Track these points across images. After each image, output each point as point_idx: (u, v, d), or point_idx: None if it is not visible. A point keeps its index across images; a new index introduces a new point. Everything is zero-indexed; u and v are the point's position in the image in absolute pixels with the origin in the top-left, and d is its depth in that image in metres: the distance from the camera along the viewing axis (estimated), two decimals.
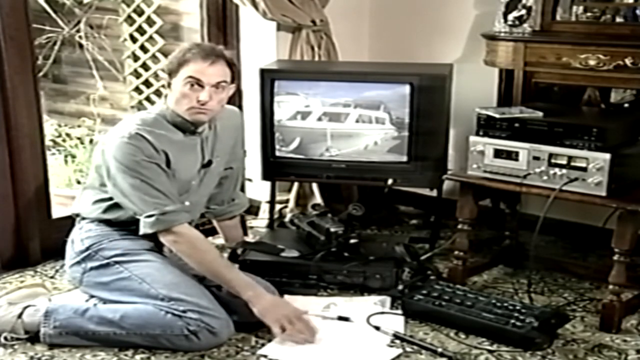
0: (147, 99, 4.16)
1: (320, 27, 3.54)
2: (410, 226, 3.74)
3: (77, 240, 2.68)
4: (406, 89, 3.11)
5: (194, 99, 2.57)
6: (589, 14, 3.23)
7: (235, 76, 2.70)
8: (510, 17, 3.16)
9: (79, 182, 4.11)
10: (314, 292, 2.88)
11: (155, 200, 2.52)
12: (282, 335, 2.43)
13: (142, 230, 2.55)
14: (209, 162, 2.73)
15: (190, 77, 2.56)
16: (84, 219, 2.73)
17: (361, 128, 3.20)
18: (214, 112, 2.65)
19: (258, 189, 3.64)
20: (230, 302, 2.57)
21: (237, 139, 2.93)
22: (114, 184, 2.58)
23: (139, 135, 2.53)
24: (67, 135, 4.72)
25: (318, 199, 3.62)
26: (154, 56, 4.09)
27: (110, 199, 2.65)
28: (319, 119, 3.23)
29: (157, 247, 2.66)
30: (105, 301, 2.60)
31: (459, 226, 2.93)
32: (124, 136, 2.53)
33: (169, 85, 2.62)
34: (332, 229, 2.96)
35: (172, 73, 2.60)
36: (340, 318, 2.67)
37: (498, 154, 2.77)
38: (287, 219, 3.53)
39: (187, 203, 2.70)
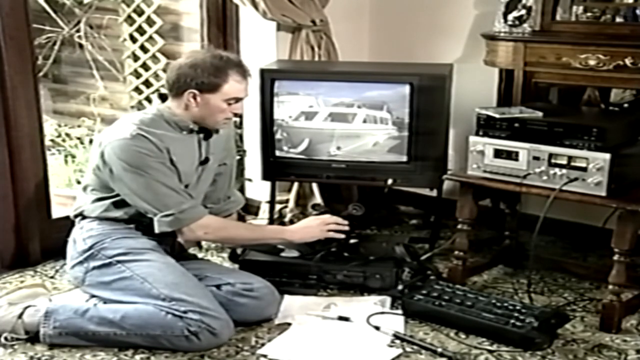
0: (147, 99, 4.15)
1: (320, 27, 3.54)
2: (410, 226, 3.74)
3: (79, 239, 2.68)
4: (406, 89, 3.11)
5: (229, 112, 2.64)
6: (589, 14, 3.22)
7: None
8: (510, 17, 3.16)
9: (78, 182, 4.09)
10: (314, 292, 2.88)
11: (169, 200, 2.55)
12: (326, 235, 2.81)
13: (159, 229, 2.56)
14: (206, 159, 2.74)
15: (236, 98, 2.62)
16: (84, 218, 2.72)
17: (368, 128, 3.20)
18: None
19: (258, 189, 3.64)
20: (230, 301, 2.58)
21: (229, 134, 2.93)
22: (122, 185, 2.57)
23: (141, 136, 2.53)
24: (67, 135, 4.71)
25: (318, 199, 3.62)
26: (154, 56, 4.09)
27: (112, 197, 2.64)
28: (325, 120, 3.23)
29: (160, 246, 2.66)
30: (106, 301, 2.60)
31: (459, 226, 2.93)
32: (125, 137, 2.53)
33: (195, 97, 2.59)
34: None
35: (210, 90, 2.58)
36: (340, 318, 2.67)
37: (498, 154, 2.76)
38: (287, 219, 3.53)
39: None
